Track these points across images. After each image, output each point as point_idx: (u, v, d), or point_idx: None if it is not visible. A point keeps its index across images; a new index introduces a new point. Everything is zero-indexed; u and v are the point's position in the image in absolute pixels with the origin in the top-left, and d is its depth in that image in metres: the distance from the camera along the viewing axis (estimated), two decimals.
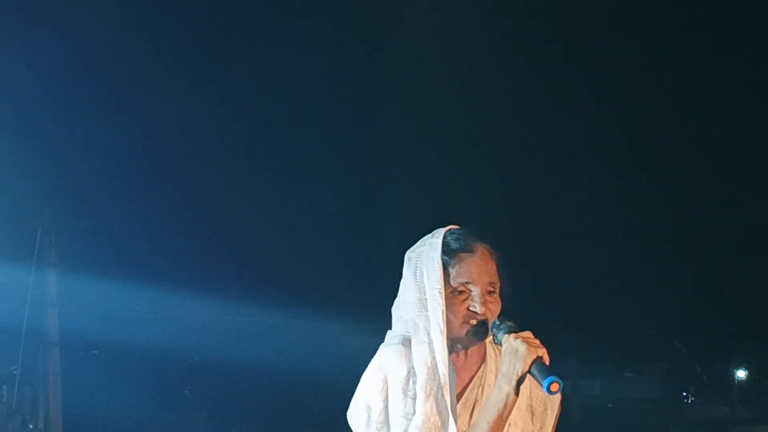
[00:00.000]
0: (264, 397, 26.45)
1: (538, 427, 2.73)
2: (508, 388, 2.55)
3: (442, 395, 2.60)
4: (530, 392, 2.71)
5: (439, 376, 2.61)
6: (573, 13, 26.65)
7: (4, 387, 20.12)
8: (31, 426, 19.60)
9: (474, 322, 2.65)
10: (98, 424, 22.65)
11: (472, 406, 2.68)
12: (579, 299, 30.50)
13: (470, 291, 2.66)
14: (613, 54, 28.41)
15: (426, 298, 2.65)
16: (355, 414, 2.68)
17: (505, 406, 2.56)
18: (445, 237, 2.71)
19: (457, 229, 2.75)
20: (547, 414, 2.75)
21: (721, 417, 33.97)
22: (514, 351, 2.55)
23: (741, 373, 38.79)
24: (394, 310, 2.76)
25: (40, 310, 19.05)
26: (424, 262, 2.69)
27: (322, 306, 24.24)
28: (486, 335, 2.67)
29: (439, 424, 2.60)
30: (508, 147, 27.81)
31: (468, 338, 2.67)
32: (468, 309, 2.65)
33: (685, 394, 39.02)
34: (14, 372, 19.39)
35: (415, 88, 25.28)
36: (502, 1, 26.75)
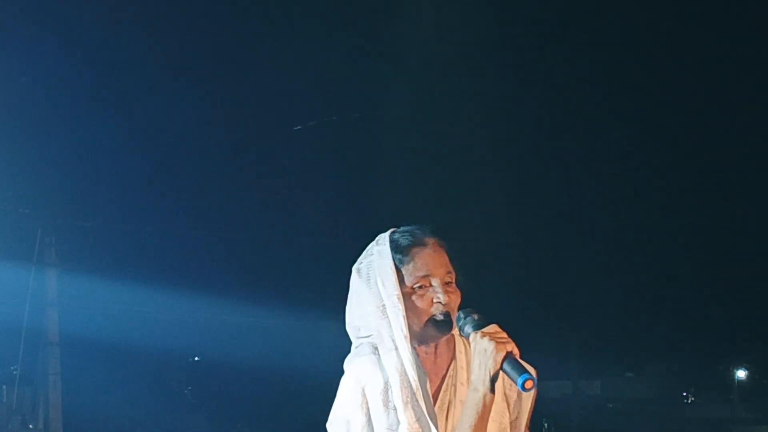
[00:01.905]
0: (264, 397, 26.46)
1: (515, 416, 2.72)
2: (483, 389, 2.53)
3: (417, 401, 2.59)
4: (503, 380, 2.67)
5: (410, 382, 2.59)
6: (572, 13, 26.65)
7: (4, 387, 20.12)
8: (31, 426, 19.61)
9: (440, 313, 2.64)
10: (98, 424, 22.64)
11: (446, 408, 2.65)
12: (579, 299, 30.50)
13: (430, 283, 2.66)
14: (611, 53, 28.41)
15: (384, 305, 2.64)
16: (334, 428, 2.66)
17: (484, 406, 2.54)
18: (392, 238, 2.71)
19: (402, 227, 2.75)
20: (521, 401, 2.73)
21: (721, 417, 34.00)
22: (482, 351, 2.53)
23: (741, 373, 38.83)
24: (348, 326, 2.74)
25: (40, 310, 19.05)
26: (375, 270, 2.68)
27: (322, 306, 24.22)
28: (451, 327, 2.65)
29: (420, 429, 2.57)
30: (508, 147, 27.82)
31: (435, 332, 2.65)
32: (432, 301, 2.64)
33: (685, 394, 39.05)
34: (14, 372, 19.39)
35: (414, 89, 25.28)
36: (500, 3, 26.74)
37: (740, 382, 38.87)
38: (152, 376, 26.24)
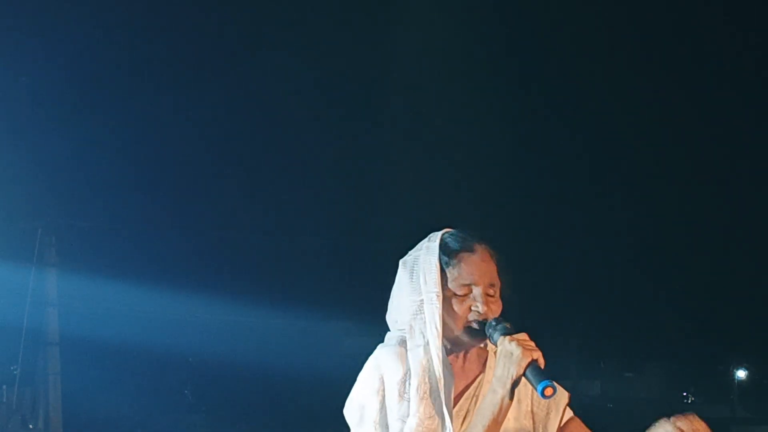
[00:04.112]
0: (264, 397, 26.44)
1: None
2: (502, 391, 2.52)
3: (437, 397, 2.58)
4: (532, 398, 2.68)
5: (435, 378, 2.59)
6: (571, 14, 26.65)
7: (4, 387, 20.10)
8: (31, 426, 19.59)
9: (475, 323, 2.63)
10: (98, 424, 22.63)
11: (463, 416, 2.65)
12: (579, 299, 30.50)
13: (471, 291, 2.65)
14: (613, 52, 28.41)
15: (422, 301, 2.64)
16: (349, 412, 2.68)
17: (500, 410, 2.53)
18: (443, 238, 2.71)
19: (455, 230, 2.74)
20: (549, 417, 2.71)
21: (721, 417, 33.98)
22: (508, 354, 2.53)
23: (741, 373, 38.80)
24: (387, 317, 2.75)
25: (40, 310, 19.04)
26: (420, 266, 2.67)
27: (322, 306, 24.23)
28: (484, 337, 2.65)
29: (434, 427, 2.57)
30: (507, 147, 27.81)
31: (467, 340, 2.65)
32: (470, 308, 2.64)
33: (685, 394, 39.03)
34: (14, 372, 19.38)
35: (412, 89, 25.27)
36: (499, 4, 26.74)
37: (740, 382, 38.85)
38: (152, 376, 26.22)
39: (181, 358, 26.62)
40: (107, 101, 23.33)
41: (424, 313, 2.63)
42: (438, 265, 2.66)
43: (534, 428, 2.70)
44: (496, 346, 2.60)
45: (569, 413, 2.74)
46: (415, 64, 25.10)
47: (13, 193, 18.61)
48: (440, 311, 2.62)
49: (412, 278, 2.68)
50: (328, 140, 26.42)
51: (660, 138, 30.71)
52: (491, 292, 2.67)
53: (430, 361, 2.60)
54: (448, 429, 2.57)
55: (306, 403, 24.69)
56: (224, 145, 25.72)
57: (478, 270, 2.66)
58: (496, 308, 2.67)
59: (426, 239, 2.73)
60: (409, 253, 2.74)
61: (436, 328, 2.61)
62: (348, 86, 26.59)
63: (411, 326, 2.65)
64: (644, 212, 31.04)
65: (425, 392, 2.59)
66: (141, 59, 23.75)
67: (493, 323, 2.62)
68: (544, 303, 28.85)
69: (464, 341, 2.67)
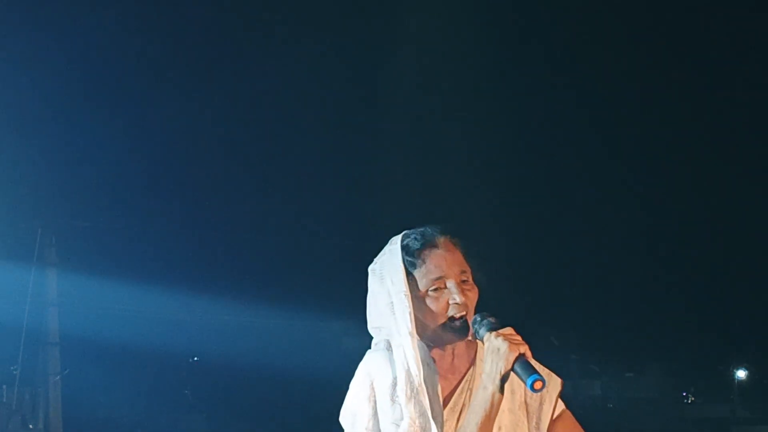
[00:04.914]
0: (264, 397, 26.46)
1: (534, 424, 2.72)
2: (492, 387, 2.53)
3: (420, 398, 2.59)
4: (525, 390, 2.67)
5: (413, 378, 2.60)
6: (569, 14, 26.66)
7: (4, 387, 20.09)
8: (31, 426, 19.59)
9: (457, 314, 2.63)
10: (98, 424, 22.64)
11: (459, 410, 2.65)
12: (580, 299, 30.52)
13: (445, 285, 2.65)
14: (613, 52, 28.42)
15: (392, 303, 2.65)
16: (343, 420, 2.69)
17: (492, 405, 2.54)
18: (403, 241, 2.72)
19: (413, 230, 2.75)
20: (543, 408, 2.72)
21: (721, 417, 34.00)
22: (495, 350, 2.53)
23: (741, 373, 38.84)
24: (369, 327, 2.76)
25: (40, 310, 19.06)
26: (387, 269, 2.69)
27: (322, 306, 24.24)
28: (467, 331, 2.65)
29: (426, 425, 2.58)
30: (508, 148, 27.83)
31: (451, 335, 2.66)
32: (448, 302, 2.64)
33: (685, 394, 39.08)
34: (14, 372, 19.38)
35: (411, 89, 25.29)
36: (497, 5, 26.76)
37: (740, 382, 38.88)
38: (152, 376, 26.23)
39: (181, 358, 26.65)
40: (109, 102, 23.36)
41: (395, 313, 2.64)
42: (402, 265, 2.67)
43: (528, 419, 2.71)
44: (483, 342, 2.61)
45: (561, 405, 2.75)
46: (412, 64, 25.12)
47: (13, 193, 18.62)
48: (410, 309, 2.63)
49: (382, 283, 2.70)
50: (331, 142, 26.44)
51: (659, 139, 30.74)
52: (464, 278, 2.67)
53: (407, 361, 2.61)
54: (432, 426, 2.58)
55: (306, 402, 24.69)
56: (225, 146, 25.74)
57: (445, 262, 2.67)
58: (473, 295, 2.67)
59: (387, 244, 2.75)
60: (375, 260, 2.76)
61: (407, 326, 2.62)
62: (351, 87, 26.61)
63: (389, 328, 2.67)
64: (645, 214, 31.08)
65: (411, 392, 2.60)
66: (143, 60, 23.78)
67: (478, 319, 2.63)
68: (545, 303, 28.88)
69: (447, 338, 2.67)
